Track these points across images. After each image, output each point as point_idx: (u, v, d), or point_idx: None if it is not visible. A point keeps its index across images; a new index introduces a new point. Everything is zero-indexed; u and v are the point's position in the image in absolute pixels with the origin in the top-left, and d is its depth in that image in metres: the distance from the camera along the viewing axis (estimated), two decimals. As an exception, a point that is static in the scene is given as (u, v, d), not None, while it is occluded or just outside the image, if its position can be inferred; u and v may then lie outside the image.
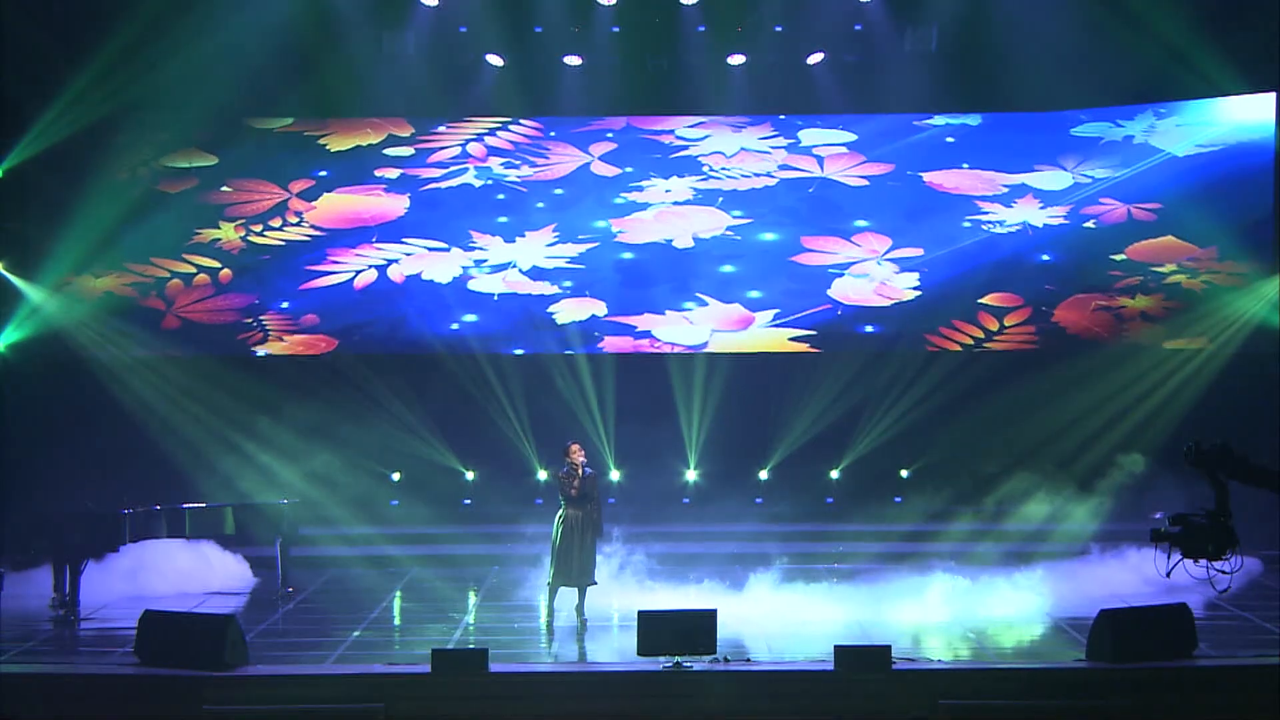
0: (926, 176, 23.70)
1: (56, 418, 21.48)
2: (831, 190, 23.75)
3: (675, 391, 22.57)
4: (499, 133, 24.22)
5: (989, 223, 23.32)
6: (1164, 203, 22.96)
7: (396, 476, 22.51)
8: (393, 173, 23.86)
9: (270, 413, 21.35)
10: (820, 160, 23.99)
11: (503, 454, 22.42)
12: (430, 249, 23.39)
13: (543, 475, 22.35)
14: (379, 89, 23.28)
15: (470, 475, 22.73)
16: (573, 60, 23.28)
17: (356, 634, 16.02)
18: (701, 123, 24.23)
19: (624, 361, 22.64)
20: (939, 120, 24.04)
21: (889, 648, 13.43)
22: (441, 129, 24.18)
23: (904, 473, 22.60)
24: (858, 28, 23.21)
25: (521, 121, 24.20)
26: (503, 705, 13.06)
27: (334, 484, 20.83)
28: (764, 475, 22.73)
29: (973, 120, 24.10)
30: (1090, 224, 23.22)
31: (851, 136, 24.13)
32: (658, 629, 13.45)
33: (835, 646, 13.37)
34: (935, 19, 22.84)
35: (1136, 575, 17.68)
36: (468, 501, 22.70)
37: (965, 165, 23.74)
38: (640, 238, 23.49)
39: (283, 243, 23.35)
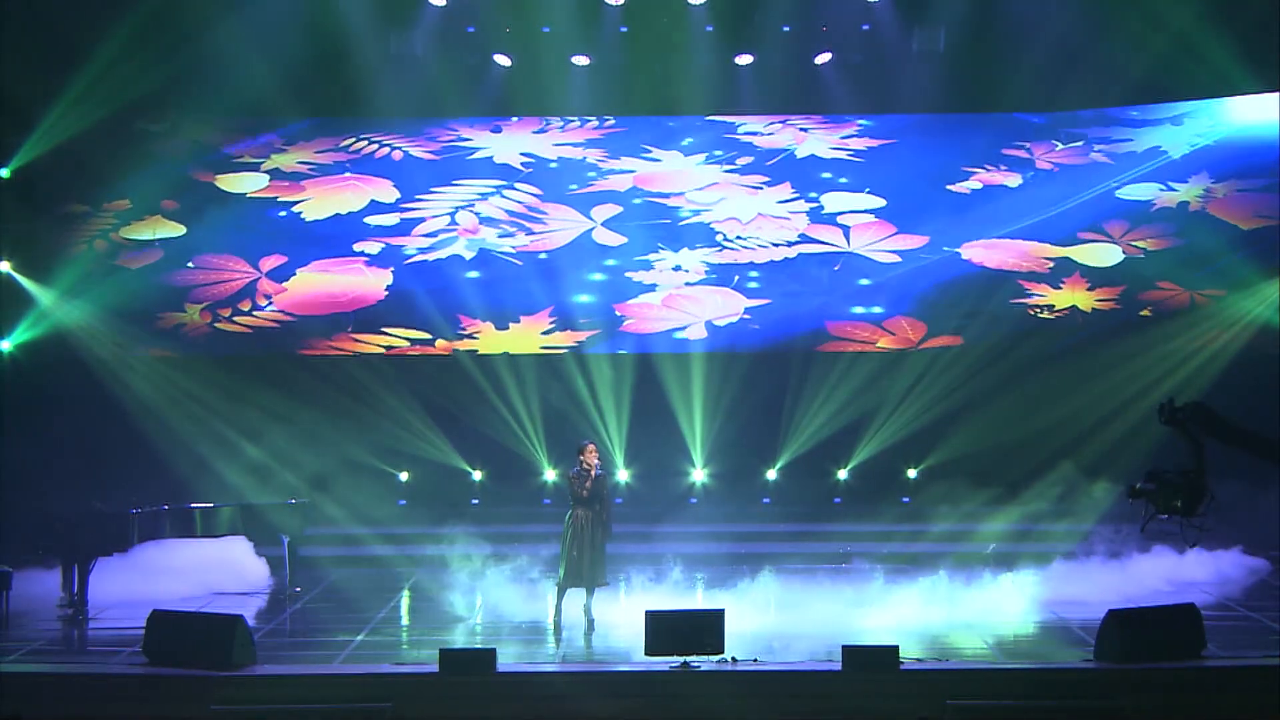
0: (965, 252, 22.55)
1: (63, 417, 21.44)
2: (859, 266, 22.54)
3: (683, 391, 22.47)
4: (491, 198, 23.17)
5: (1035, 307, 22.08)
6: (1229, 289, 21.72)
7: (404, 476, 22.49)
8: (374, 246, 22.73)
9: (276, 412, 21.33)
10: (846, 231, 22.84)
11: (510, 454, 22.37)
12: (412, 340, 22.17)
13: (551, 475, 22.31)
14: (386, 89, 23.25)
15: (477, 475, 22.69)
16: (580, 60, 23.27)
17: (364, 634, 16.02)
18: (715, 184, 23.28)
19: (631, 361, 22.49)
20: (974, 183, 23.15)
21: (897, 648, 13.41)
22: (429, 193, 23.16)
23: (911, 473, 22.54)
24: (865, 28, 23.18)
25: (517, 186, 23.28)
26: (510, 705, 13.05)
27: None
28: (772, 475, 22.68)
29: (1011, 181, 23.16)
30: (1146, 311, 21.87)
31: (879, 202, 23.09)
32: (665, 629, 13.44)
33: (843, 647, 13.35)
34: (943, 19, 22.81)
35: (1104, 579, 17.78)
36: (475, 501, 22.65)
37: (1004, 235, 22.56)
38: (648, 327, 22.28)
39: (250, 329, 22.10)
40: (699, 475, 22.49)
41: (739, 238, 22.80)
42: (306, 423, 21.19)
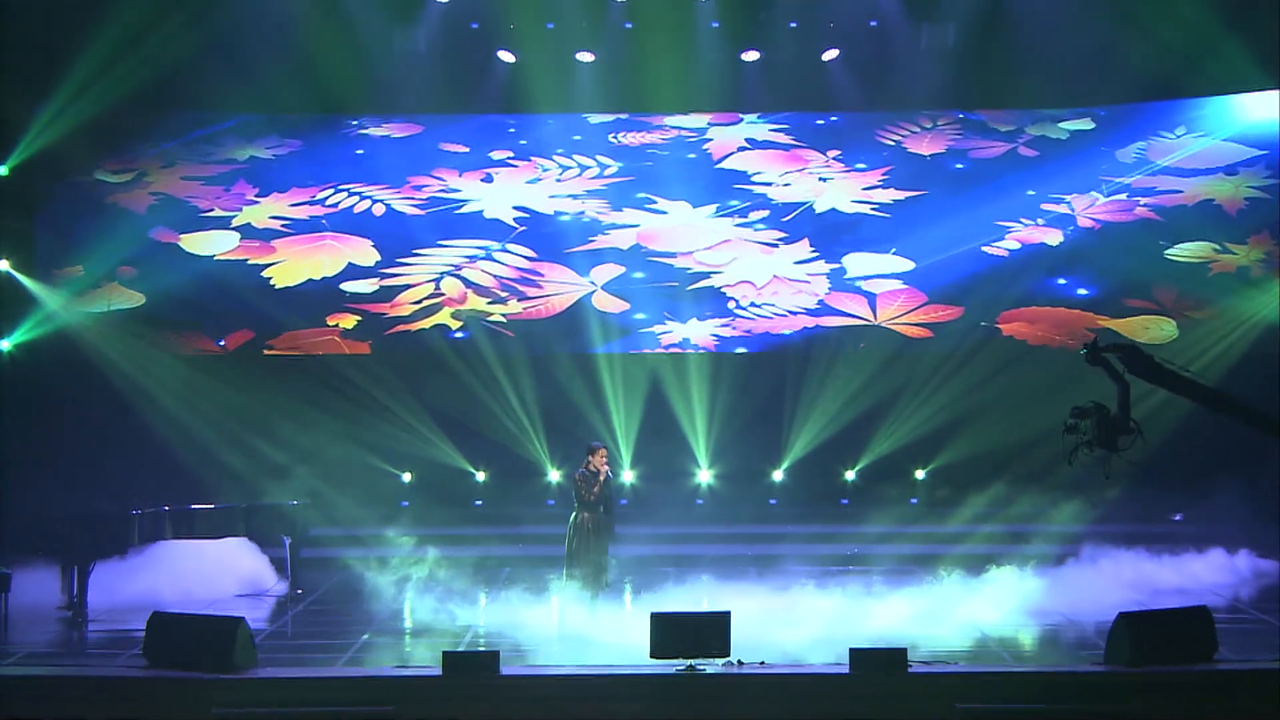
0: (1005, 327, 21.32)
1: (63, 416, 21.44)
2: (888, 343, 21.35)
3: (688, 392, 22.41)
4: (480, 262, 21.94)
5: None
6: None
7: (407, 477, 22.49)
8: (349, 320, 21.48)
9: (280, 413, 21.32)
10: (872, 300, 21.49)
11: (513, 455, 22.34)
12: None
13: (555, 476, 22.30)
14: (389, 86, 23.23)
15: (481, 476, 22.67)
16: (585, 56, 23.25)
17: (366, 636, 16.04)
18: (726, 241, 22.17)
19: (636, 361, 22.37)
20: (1011, 242, 21.93)
21: (905, 650, 13.42)
22: (412, 256, 22.00)
23: (919, 474, 22.49)
24: (873, 24, 23.13)
25: (509, 248, 22.21)
26: (514, 708, 13.05)
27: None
28: (778, 476, 22.66)
29: (1052, 239, 21.89)
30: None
31: (907, 264, 21.80)
32: (671, 631, 13.44)
33: (850, 649, 13.35)
34: (952, 15, 22.75)
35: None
36: (479, 502, 22.63)
37: (1044, 304, 21.21)
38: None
39: None
40: (705, 476, 22.48)
41: (752, 304, 21.53)
42: (308, 421, 21.18)
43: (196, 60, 21.89)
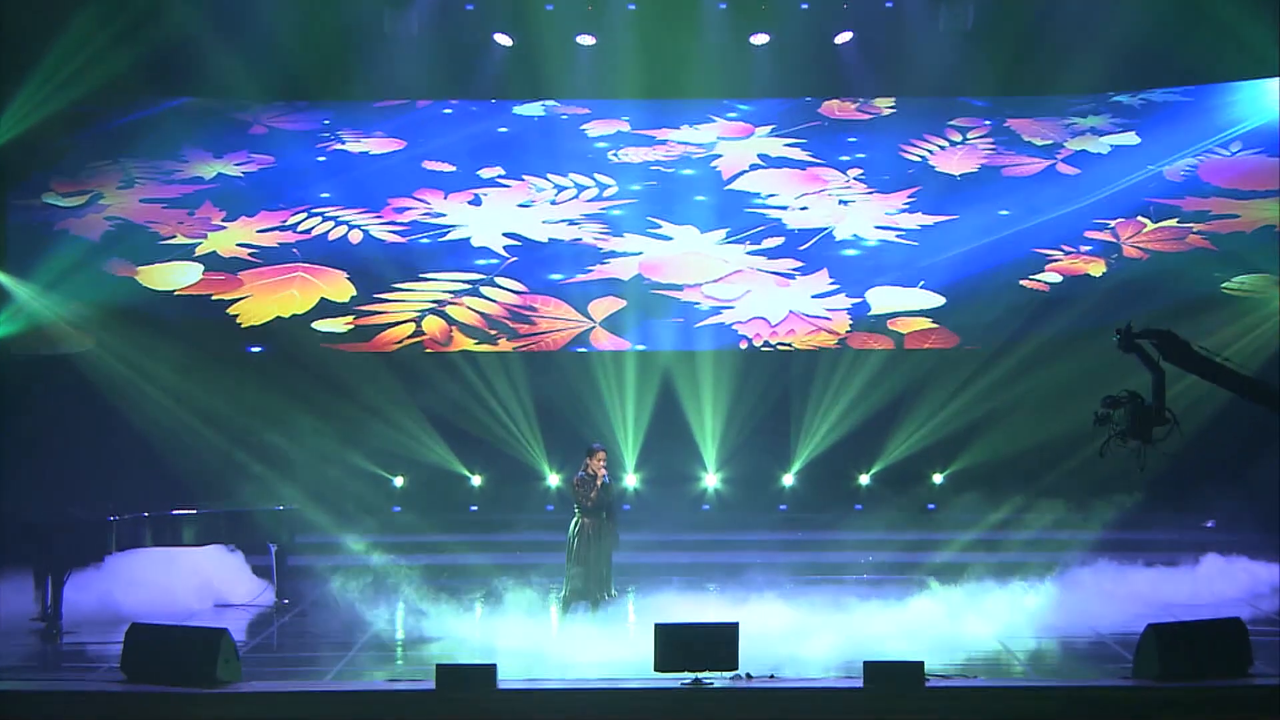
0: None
1: (37, 416, 21.35)
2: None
3: (695, 392, 22.32)
4: (466, 297, 21.10)
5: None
6: None
7: (399, 481, 22.44)
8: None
9: (268, 412, 21.27)
10: (899, 342, 20.76)
11: (510, 457, 22.29)
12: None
13: (554, 481, 22.24)
14: (381, 71, 23.18)
15: (476, 480, 22.62)
16: (586, 40, 23.19)
17: (357, 648, 15.99)
18: (737, 271, 21.31)
19: (640, 360, 22.27)
20: (1052, 275, 21.13)
21: (921, 664, 13.37)
22: (390, 291, 21.10)
23: (937, 478, 22.42)
24: (889, 5, 23.08)
25: (498, 281, 21.41)
26: (511, 724, 13.06)
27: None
28: (788, 480, 22.60)
29: (1095, 270, 21.14)
30: None
31: (936, 300, 20.98)
32: (676, 643, 13.40)
33: (865, 662, 13.31)
34: (972, -5, 22.70)
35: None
36: (474, 508, 22.58)
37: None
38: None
39: None
40: (711, 481, 22.41)
41: (766, 344, 20.80)
42: (295, 421, 21.13)
43: (170, 47, 21.74)
